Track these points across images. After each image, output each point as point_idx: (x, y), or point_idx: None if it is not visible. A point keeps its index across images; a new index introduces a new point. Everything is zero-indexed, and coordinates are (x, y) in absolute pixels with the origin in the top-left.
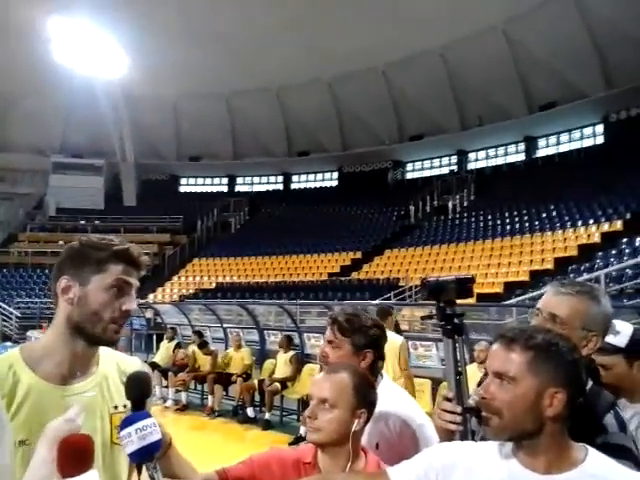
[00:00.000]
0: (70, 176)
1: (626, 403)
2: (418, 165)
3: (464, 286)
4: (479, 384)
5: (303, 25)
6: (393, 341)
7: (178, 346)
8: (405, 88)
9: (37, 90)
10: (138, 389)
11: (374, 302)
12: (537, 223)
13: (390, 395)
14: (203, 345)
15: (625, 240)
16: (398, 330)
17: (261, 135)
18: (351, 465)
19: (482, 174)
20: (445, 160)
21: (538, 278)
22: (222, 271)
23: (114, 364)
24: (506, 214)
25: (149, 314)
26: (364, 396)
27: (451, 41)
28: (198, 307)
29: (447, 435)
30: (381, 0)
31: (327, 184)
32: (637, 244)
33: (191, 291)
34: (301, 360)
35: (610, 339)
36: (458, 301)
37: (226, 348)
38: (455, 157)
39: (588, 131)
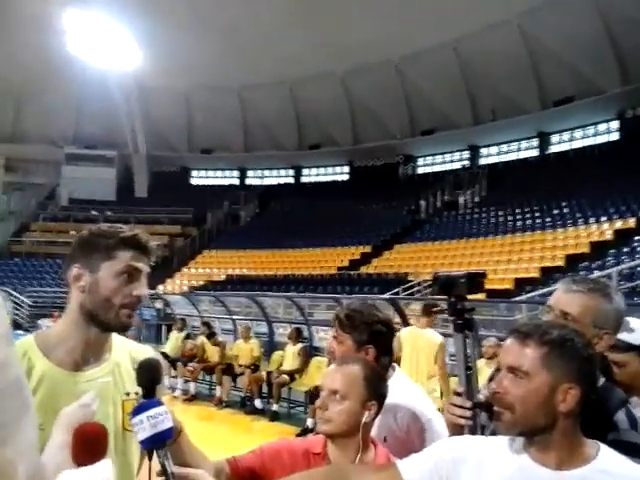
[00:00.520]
0: (82, 167)
1: (639, 401)
2: (429, 160)
3: (475, 281)
4: (490, 379)
5: (316, 18)
6: (432, 339)
7: (187, 337)
8: (417, 82)
9: (51, 82)
10: (149, 375)
11: (383, 296)
12: (549, 219)
13: (400, 388)
14: (211, 336)
15: (638, 238)
16: (406, 323)
17: (272, 128)
18: (360, 457)
19: (494, 169)
20: (457, 155)
21: (549, 275)
22: (232, 263)
23: (127, 352)
24: (517, 210)
25: (159, 305)
26: (375, 388)
27: (464, 35)
28: (208, 298)
29: (457, 430)
30: None
31: (338, 178)
32: None
33: (201, 282)
34: (309, 353)
35: (624, 336)
36: (468, 296)
37: (235, 340)
38: (467, 152)
39: (603, 127)
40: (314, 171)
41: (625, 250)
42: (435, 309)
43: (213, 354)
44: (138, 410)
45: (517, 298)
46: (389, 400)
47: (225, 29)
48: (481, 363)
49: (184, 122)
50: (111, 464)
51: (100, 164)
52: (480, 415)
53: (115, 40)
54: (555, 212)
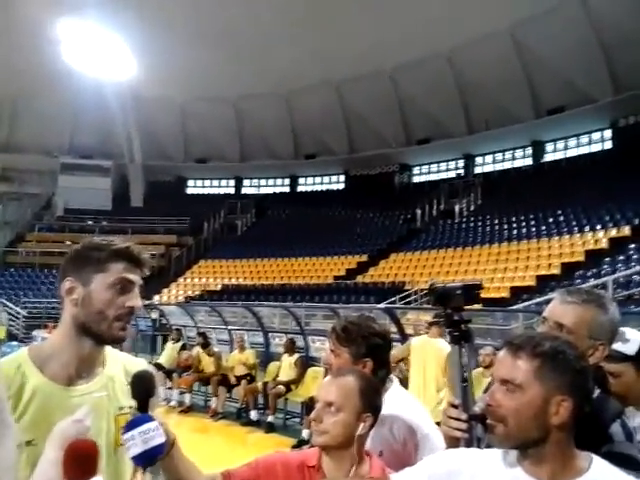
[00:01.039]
0: (78, 177)
1: (634, 411)
2: (425, 169)
3: (471, 293)
4: (486, 391)
5: (311, 28)
6: (441, 349)
7: (183, 347)
8: (412, 91)
9: (46, 91)
10: (142, 388)
11: (379, 305)
12: (544, 228)
13: (398, 401)
14: (206, 346)
15: (633, 246)
16: (402, 333)
17: (268, 137)
18: (355, 469)
19: (489, 178)
20: (452, 164)
21: (545, 283)
22: (228, 273)
23: (121, 365)
24: (513, 219)
25: (154, 315)
26: (370, 400)
27: (458, 44)
28: (204, 309)
29: (453, 442)
30: (388, 3)
31: (334, 187)
32: None
33: (197, 292)
34: (306, 363)
35: (619, 347)
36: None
37: (231, 350)
38: (462, 161)
39: (596, 136)
40: (310, 180)
41: (620, 258)
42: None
43: (209, 365)
44: (130, 426)
45: (513, 307)
46: (386, 412)
47: (221, 39)
48: (478, 372)
49: (180, 131)
50: None
51: (96, 174)
52: (476, 427)
53: (111, 50)
54: (550, 220)
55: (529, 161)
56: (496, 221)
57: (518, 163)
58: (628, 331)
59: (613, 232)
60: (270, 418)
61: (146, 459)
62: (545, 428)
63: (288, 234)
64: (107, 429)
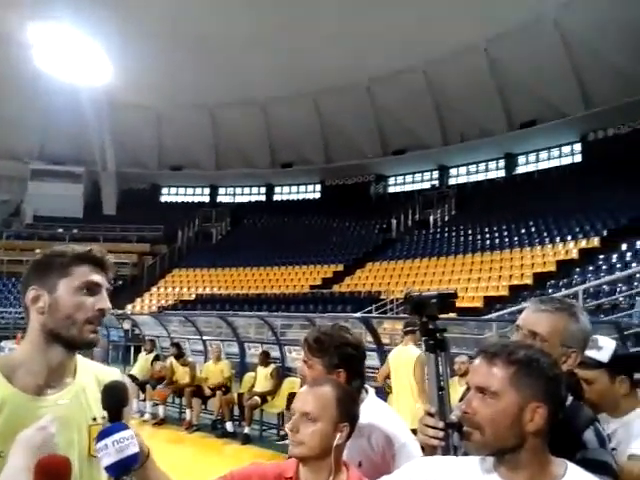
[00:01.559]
0: (49, 183)
1: (608, 417)
2: (400, 179)
3: (446, 301)
4: (461, 399)
5: (288, 39)
6: (410, 355)
7: (157, 358)
8: (388, 104)
9: (16, 96)
10: (114, 398)
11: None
12: (516, 239)
13: (374, 411)
14: (179, 356)
15: (602, 257)
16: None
17: (244, 146)
18: (333, 479)
19: (463, 189)
20: (427, 175)
21: (517, 293)
22: (202, 282)
23: (92, 375)
24: (486, 229)
25: (127, 325)
26: (347, 410)
27: (434, 59)
28: (177, 319)
29: (430, 450)
30: (365, 17)
31: (310, 196)
32: (614, 260)
33: (170, 302)
34: (282, 374)
35: (593, 354)
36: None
37: (205, 361)
38: (437, 172)
39: (566, 149)
40: (286, 189)
41: (590, 268)
42: (412, 328)
43: (183, 376)
44: (103, 435)
45: (487, 316)
46: (363, 422)
47: (197, 47)
48: (454, 381)
49: (154, 139)
50: None
51: (67, 180)
52: (453, 435)
53: (85, 55)
54: (522, 231)
55: (502, 173)
56: (470, 231)
57: (491, 175)
58: (601, 339)
59: (583, 243)
60: (246, 430)
61: (120, 469)
62: (521, 435)
63: (264, 243)
64: (79, 440)
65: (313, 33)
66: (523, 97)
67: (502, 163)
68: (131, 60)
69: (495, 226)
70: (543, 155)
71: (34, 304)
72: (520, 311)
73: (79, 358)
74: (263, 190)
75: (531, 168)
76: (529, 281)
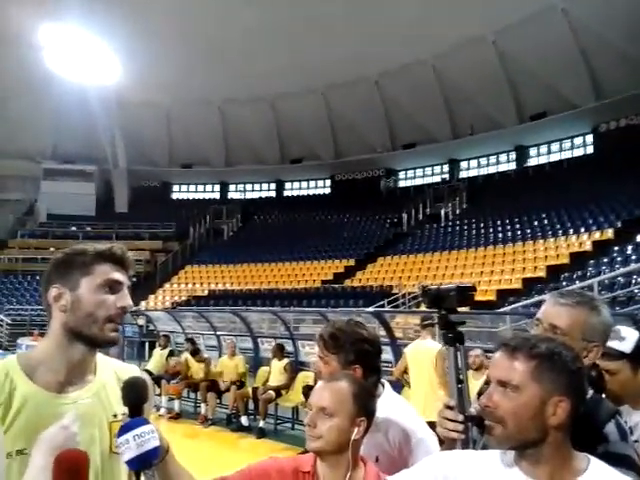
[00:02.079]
0: (61, 182)
1: (630, 410)
2: (410, 173)
3: (465, 294)
4: (479, 393)
5: (297, 34)
6: (430, 349)
7: (171, 354)
8: (398, 97)
9: (28, 96)
10: (134, 394)
11: (368, 309)
12: (529, 231)
13: (391, 406)
14: (196, 352)
15: (617, 248)
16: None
17: (254, 142)
18: (350, 474)
19: (474, 183)
20: (437, 168)
21: (531, 286)
22: (215, 278)
23: (112, 372)
24: (498, 222)
25: (141, 321)
26: (364, 404)
27: (442, 51)
28: (191, 314)
29: (449, 443)
30: (373, 11)
31: (320, 192)
32: (629, 252)
33: (183, 298)
34: (295, 368)
35: (615, 345)
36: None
37: (219, 356)
38: (447, 166)
39: (578, 141)
40: (296, 185)
41: (604, 260)
42: (430, 322)
43: (197, 371)
44: (124, 429)
45: (501, 309)
46: (380, 417)
47: (206, 44)
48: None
49: (164, 136)
50: None
51: (79, 179)
52: (472, 429)
53: (95, 55)
54: (535, 224)
55: (513, 165)
56: (481, 225)
57: (502, 167)
58: (624, 329)
59: (597, 235)
60: (261, 424)
61: (141, 463)
62: (543, 429)
63: (274, 239)
64: (100, 436)
65: (321, 28)
66: (533, 89)
67: (513, 155)
68: (140, 59)
69: (507, 219)
70: (554, 147)
71: (56, 302)
72: (534, 304)
73: (99, 355)
74: (273, 186)
75: (543, 160)
76: (542, 274)
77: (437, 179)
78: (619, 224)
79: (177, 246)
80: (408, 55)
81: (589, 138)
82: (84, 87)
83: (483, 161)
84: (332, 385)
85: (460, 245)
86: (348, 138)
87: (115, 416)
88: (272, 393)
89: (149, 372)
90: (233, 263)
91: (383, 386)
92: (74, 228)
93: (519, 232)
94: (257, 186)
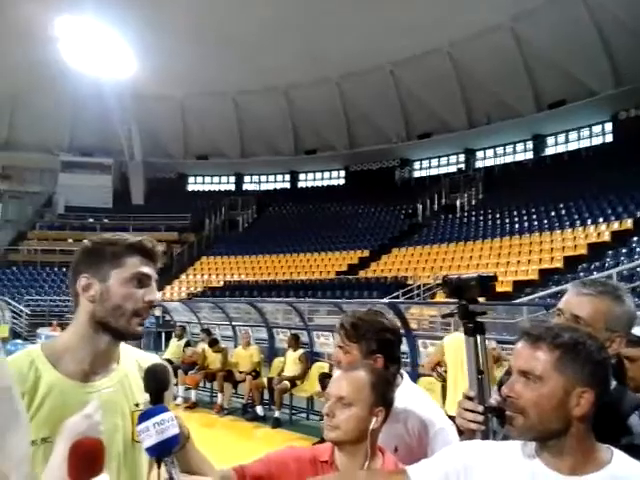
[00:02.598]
0: (78, 174)
1: None
2: (426, 163)
3: (486, 284)
4: (500, 384)
5: (310, 24)
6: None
7: (187, 344)
8: (412, 86)
9: (45, 89)
10: (155, 381)
11: (383, 300)
12: (546, 222)
13: (410, 396)
14: (214, 343)
15: (636, 239)
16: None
17: (268, 134)
18: (369, 464)
19: (490, 172)
20: (453, 158)
21: (548, 277)
22: (230, 269)
23: (134, 361)
24: (515, 213)
25: (158, 312)
26: (382, 394)
27: (458, 39)
28: (207, 305)
29: (469, 434)
30: None
31: (334, 182)
32: None
33: (199, 289)
34: (310, 358)
35: (637, 331)
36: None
37: (235, 346)
38: (463, 155)
39: (597, 129)
40: (311, 176)
41: (623, 251)
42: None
43: (215, 361)
44: (144, 417)
45: (517, 300)
46: (399, 408)
47: (220, 36)
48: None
49: (180, 128)
50: (109, 479)
51: (96, 171)
52: (492, 420)
53: (110, 48)
54: (552, 214)
55: (530, 155)
56: (498, 215)
57: (519, 157)
58: None
59: (615, 225)
60: (276, 413)
61: (161, 450)
62: (566, 420)
63: (289, 230)
64: (123, 425)
65: (334, 17)
66: (551, 76)
67: (530, 145)
68: (154, 51)
69: (524, 209)
70: (573, 135)
71: (85, 292)
72: (551, 295)
73: (122, 344)
74: (287, 177)
75: (561, 149)
76: (559, 265)
77: (453, 169)
78: (639, 214)
79: (193, 237)
80: (423, 43)
81: (608, 126)
82: (100, 80)
83: (500, 150)
84: (350, 375)
85: (476, 236)
86: (363, 128)
87: (137, 405)
88: (287, 383)
89: (169, 361)
90: (248, 254)
91: (402, 376)
92: (91, 220)
93: (536, 222)
94: (272, 177)
